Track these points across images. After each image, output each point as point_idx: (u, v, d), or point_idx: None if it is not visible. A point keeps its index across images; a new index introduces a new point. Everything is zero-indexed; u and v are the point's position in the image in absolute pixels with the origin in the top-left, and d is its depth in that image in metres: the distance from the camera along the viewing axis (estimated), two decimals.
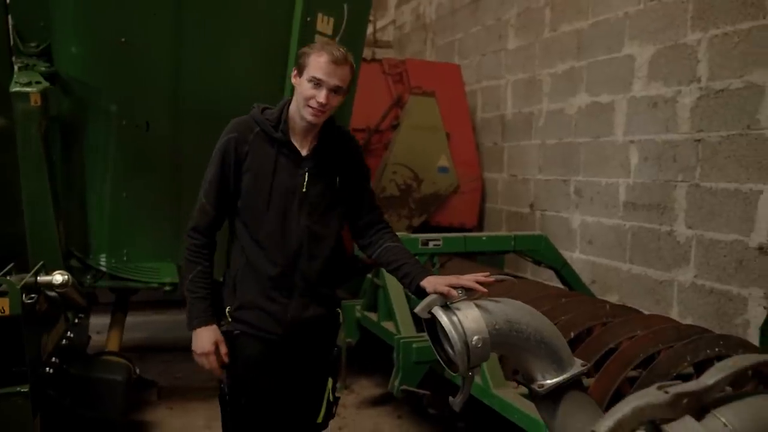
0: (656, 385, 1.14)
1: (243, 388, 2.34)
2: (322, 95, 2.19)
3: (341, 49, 2.23)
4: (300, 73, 2.24)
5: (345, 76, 2.22)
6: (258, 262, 2.29)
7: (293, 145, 2.30)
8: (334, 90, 2.20)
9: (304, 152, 2.31)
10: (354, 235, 2.49)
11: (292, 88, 2.30)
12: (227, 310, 2.35)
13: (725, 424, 1.11)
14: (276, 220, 2.27)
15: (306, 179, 2.29)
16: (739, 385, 2.73)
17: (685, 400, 1.11)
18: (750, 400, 1.17)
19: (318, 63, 2.18)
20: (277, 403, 2.38)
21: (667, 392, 1.11)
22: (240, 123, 2.32)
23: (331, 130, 2.37)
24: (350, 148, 2.44)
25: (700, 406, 1.13)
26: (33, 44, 3.58)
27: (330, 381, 2.50)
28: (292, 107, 2.30)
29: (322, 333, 2.45)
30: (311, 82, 2.19)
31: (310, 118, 2.23)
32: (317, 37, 3.54)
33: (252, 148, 2.28)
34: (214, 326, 2.32)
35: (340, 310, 2.53)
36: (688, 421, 1.10)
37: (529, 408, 2.88)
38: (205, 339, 2.29)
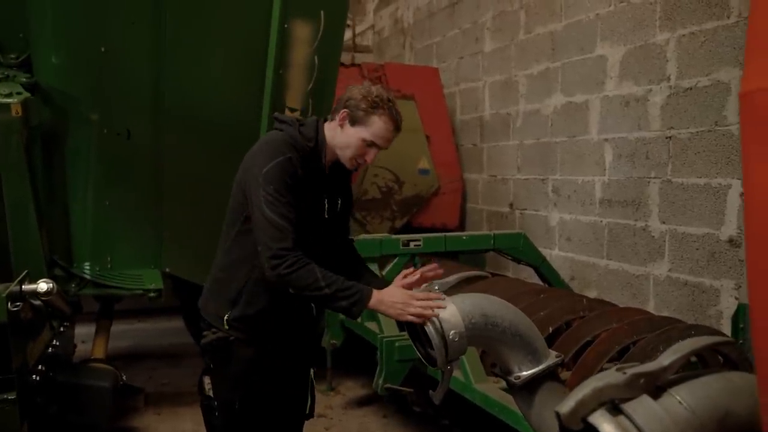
0: (615, 366, 1.21)
1: (236, 392, 2.33)
2: (371, 157, 2.22)
3: (399, 110, 2.22)
4: (352, 123, 2.19)
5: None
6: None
7: (326, 174, 2.28)
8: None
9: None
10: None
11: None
12: (225, 317, 2.28)
13: (680, 402, 1.18)
14: (299, 241, 2.17)
15: (326, 205, 2.30)
16: (707, 367, 2.84)
17: (642, 380, 1.18)
18: (704, 379, 1.24)
19: (381, 130, 2.18)
20: (270, 402, 2.38)
21: (625, 373, 1.18)
22: (285, 143, 2.20)
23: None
24: (347, 172, 2.42)
25: (657, 385, 1.20)
26: (13, 55, 3.61)
27: (311, 371, 2.55)
28: (328, 137, 2.25)
29: (310, 332, 2.52)
30: (366, 142, 2.19)
31: (349, 167, 2.27)
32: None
33: (303, 171, 2.20)
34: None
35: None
36: (645, 399, 1.17)
37: (510, 402, 2.95)
38: (396, 292, 2.11)
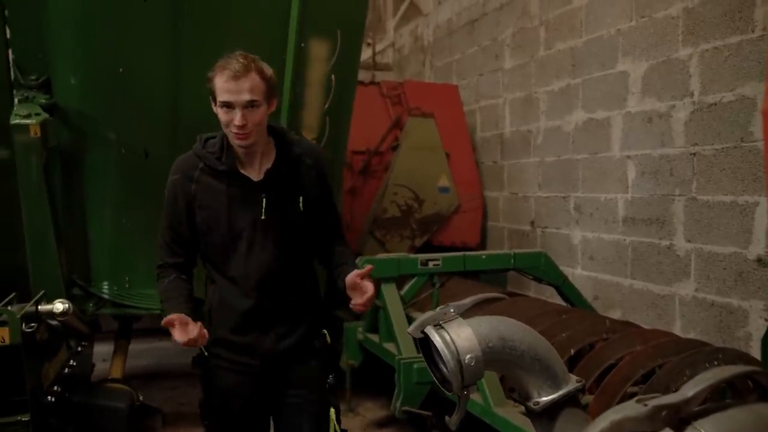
0: (635, 398, 1.15)
1: (220, 422, 2.27)
2: (237, 117, 2.01)
3: (242, 58, 2.05)
4: (214, 101, 2.08)
5: (255, 86, 2.02)
6: (230, 298, 2.19)
7: (241, 173, 2.15)
8: (248, 106, 2.02)
9: (256, 177, 2.16)
10: (318, 258, 2.40)
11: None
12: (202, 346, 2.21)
13: None
14: (241, 252, 2.16)
15: (264, 205, 2.15)
16: (740, 397, 2.72)
17: (664, 413, 1.11)
18: (730, 412, 1.17)
19: (220, 86, 2.02)
20: None
21: (645, 405, 1.11)
22: (182, 162, 2.21)
23: (287, 147, 2.21)
24: (313, 165, 2.26)
25: (680, 418, 1.13)
26: (33, 77, 3.64)
27: (332, 411, 2.34)
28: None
29: (306, 362, 2.30)
30: (222, 108, 2.04)
31: (238, 142, 2.08)
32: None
33: (199, 186, 2.16)
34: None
35: (326, 333, 2.36)
36: None
37: (530, 426, 2.87)
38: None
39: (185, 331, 2.01)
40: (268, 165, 2.18)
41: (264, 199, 2.15)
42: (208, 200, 2.15)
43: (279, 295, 2.20)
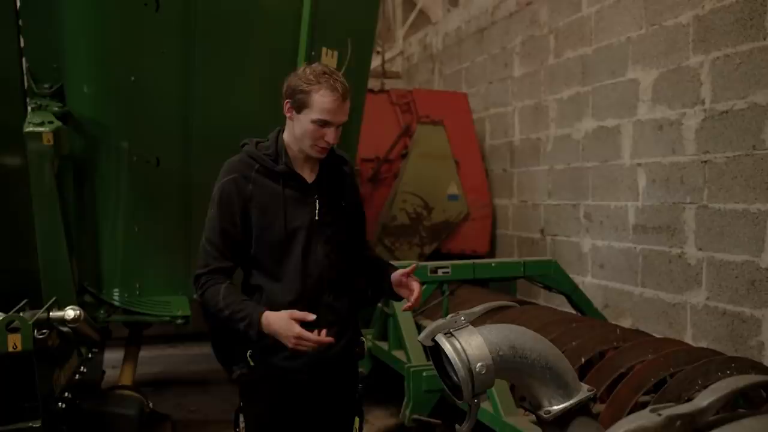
0: (649, 407, 1.14)
1: None
2: (331, 135, 2.11)
3: (339, 77, 2.12)
4: (298, 109, 2.12)
5: (349, 108, 2.14)
6: (279, 300, 2.15)
7: (299, 175, 2.21)
8: (339, 126, 2.14)
9: (310, 180, 2.23)
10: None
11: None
12: (248, 353, 2.21)
13: None
14: (294, 253, 2.17)
15: (317, 207, 2.21)
16: (753, 407, 2.70)
17: (678, 423, 1.10)
18: (745, 422, 1.16)
19: (324, 103, 2.07)
20: None
21: (660, 414, 1.10)
22: (237, 163, 2.22)
23: (330, 155, 2.27)
24: (349, 173, 2.37)
25: (695, 428, 1.12)
26: (46, 85, 3.68)
27: (357, 420, 2.36)
28: (287, 138, 2.22)
29: (347, 368, 2.34)
30: (317, 123, 2.09)
31: (317, 155, 2.17)
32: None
33: (256, 186, 2.17)
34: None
35: (365, 341, 2.43)
36: None
37: None
38: (279, 322, 2.05)
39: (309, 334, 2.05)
40: (317, 169, 2.26)
41: (317, 201, 2.22)
42: (264, 200, 2.18)
43: (329, 297, 2.22)
